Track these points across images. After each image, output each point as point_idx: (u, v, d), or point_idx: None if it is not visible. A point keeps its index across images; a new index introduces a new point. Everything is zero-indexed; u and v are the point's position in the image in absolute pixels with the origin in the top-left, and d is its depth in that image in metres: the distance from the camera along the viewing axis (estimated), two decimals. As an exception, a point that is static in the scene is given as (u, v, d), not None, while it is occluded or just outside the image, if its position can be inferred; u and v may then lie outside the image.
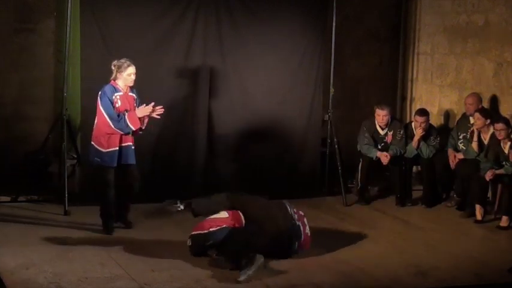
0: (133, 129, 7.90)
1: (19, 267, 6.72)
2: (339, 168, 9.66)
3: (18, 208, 8.77)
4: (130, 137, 8.02)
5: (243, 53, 9.60)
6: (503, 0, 9.80)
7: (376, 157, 9.58)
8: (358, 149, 9.79)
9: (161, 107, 8.01)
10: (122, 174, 8.03)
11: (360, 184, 9.77)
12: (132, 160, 8.06)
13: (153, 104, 7.96)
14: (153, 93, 9.14)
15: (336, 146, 9.76)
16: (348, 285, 6.70)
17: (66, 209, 8.56)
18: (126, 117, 7.85)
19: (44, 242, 7.50)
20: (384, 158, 9.53)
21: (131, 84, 7.99)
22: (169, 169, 9.35)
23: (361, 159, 9.71)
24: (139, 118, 7.92)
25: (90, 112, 9.00)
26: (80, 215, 8.54)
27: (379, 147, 9.72)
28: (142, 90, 8.52)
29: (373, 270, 7.04)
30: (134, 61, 8.98)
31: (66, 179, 8.80)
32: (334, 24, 9.83)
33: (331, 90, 9.96)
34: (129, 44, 9.04)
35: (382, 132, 9.76)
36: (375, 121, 9.76)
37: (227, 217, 7.28)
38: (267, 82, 9.75)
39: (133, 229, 8.12)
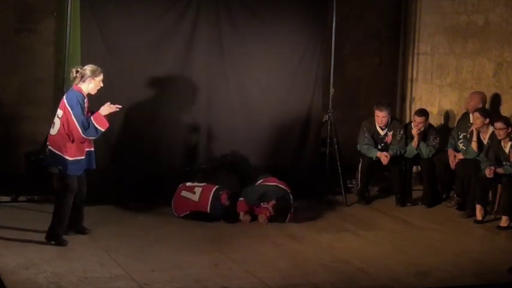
0: (103, 130, 7.40)
1: (19, 267, 6.71)
2: (339, 168, 9.66)
3: (18, 208, 8.77)
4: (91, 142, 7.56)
5: (243, 52, 9.59)
6: (503, 0, 9.80)
7: (376, 157, 9.58)
8: (358, 149, 9.78)
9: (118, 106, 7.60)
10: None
11: (359, 184, 9.77)
12: (93, 165, 7.65)
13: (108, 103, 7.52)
14: (153, 92, 9.17)
15: (336, 146, 9.75)
16: (348, 285, 6.70)
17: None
18: (92, 121, 7.34)
19: (44, 242, 7.48)
20: (384, 158, 9.52)
21: (95, 91, 7.49)
22: (168, 168, 9.34)
23: (361, 159, 9.70)
24: (105, 116, 7.45)
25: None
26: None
27: (379, 147, 9.71)
28: (142, 90, 8.49)
29: (373, 270, 7.04)
30: (134, 60, 9.05)
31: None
32: (334, 24, 9.81)
33: (331, 90, 9.95)
34: (129, 44, 9.05)
35: (382, 133, 9.76)
36: (374, 121, 9.75)
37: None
38: (267, 82, 9.73)
39: (133, 229, 8.11)
